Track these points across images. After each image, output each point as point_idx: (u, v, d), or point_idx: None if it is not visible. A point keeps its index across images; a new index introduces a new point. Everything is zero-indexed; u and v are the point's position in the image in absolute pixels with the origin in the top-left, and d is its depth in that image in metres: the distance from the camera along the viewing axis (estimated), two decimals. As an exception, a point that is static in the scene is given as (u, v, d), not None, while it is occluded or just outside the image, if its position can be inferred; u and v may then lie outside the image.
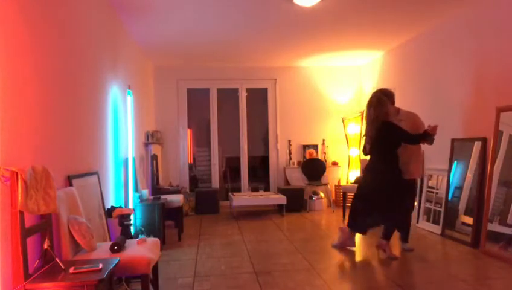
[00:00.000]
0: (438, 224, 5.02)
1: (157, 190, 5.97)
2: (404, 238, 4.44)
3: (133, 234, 3.66)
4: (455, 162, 4.94)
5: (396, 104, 4.57)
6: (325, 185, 7.24)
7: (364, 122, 4.82)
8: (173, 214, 5.11)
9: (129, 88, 4.92)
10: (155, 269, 3.01)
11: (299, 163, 7.68)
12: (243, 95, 7.89)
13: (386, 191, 4.10)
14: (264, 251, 4.53)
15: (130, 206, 4.55)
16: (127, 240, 2.90)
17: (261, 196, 7.05)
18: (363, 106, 5.64)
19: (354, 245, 4.47)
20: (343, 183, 7.56)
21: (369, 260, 4.20)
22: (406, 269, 3.90)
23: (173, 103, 7.63)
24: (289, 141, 7.85)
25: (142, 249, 2.76)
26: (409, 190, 4.31)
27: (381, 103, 4.18)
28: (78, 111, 3.34)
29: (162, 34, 5.64)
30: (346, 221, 4.78)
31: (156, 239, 3.13)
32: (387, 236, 4.17)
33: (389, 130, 4.11)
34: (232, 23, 5.30)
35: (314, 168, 7.46)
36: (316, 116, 7.89)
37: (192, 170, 8.36)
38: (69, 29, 3.19)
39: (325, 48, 6.57)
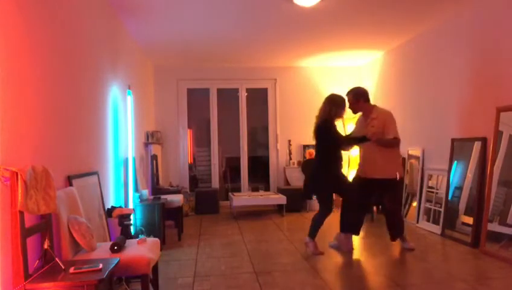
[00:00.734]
0: (438, 224, 5.02)
1: (157, 190, 5.96)
2: (393, 237, 4.42)
3: (133, 234, 3.66)
4: (455, 162, 4.93)
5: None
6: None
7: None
8: (173, 214, 5.11)
9: (129, 88, 4.93)
10: (155, 269, 3.01)
11: (299, 163, 7.68)
12: (243, 95, 7.89)
13: (325, 190, 4.33)
14: (264, 251, 4.53)
15: (130, 206, 4.55)
16: (127, 240, 2.90)
17: (261, 196, 7.06)
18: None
19: (351, 248, 4.41)
20: (343, 183, 7.54)
21: (369, 260, 4.20)
22: (406, 269, 3.90)
23: (173, 102, 7.63)
24: (289, 141, 7.85)
25: (142, 249, 2.76)
26: (387, 189, 4.34)
27: (335, 102, 4.36)
28: (78, 111, 3.34)
29: (162, 34, 5.64)
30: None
31: (156, 239, 3.13)
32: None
33: (324, 131, 4.31)
34: (232, 23, 5.30)
35: (314, 168, 7.46)
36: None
37: (192, 170, 8.36)
38: (69, 29, 3.19)
39: (325, 48, 6.57)
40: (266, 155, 8.07)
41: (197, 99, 7.98)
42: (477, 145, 4.60)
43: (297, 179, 7.53)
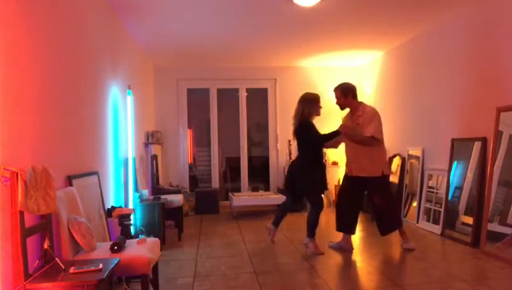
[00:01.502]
0: (438, 224, 5.02)
1: (157, 189, 5.96)
2: (383, 233, 4.39)
3: (133, 234, 3.66)
4: (455, 162, 4.93)
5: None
6: (325, 185, 7.23)
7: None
8: (173, 214, 5.11)
9: (129, 88, 4.92)
10: (155, 269, 3.00)
11: (299, 163, 7.67)
12: (243, 95, 7.89)
13: (313, 190, 4.39)
14: (264, 251, 4.53)
15: (130, 206, 4.55)
16: (127, 240, 2.90)
17: (261, 196, 7.06)
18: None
19: (350, 248, 4.42)
20: (343, 183, 7.54)
21: (368, 260, 4.20)
22: (405, 269, 3.90)
23: (173, 102, 7.63)
24: (289, 141, 7.84)
25: (142, 249, 2.76)
26: (374, 187, 4.33)
27: (306, 100, 4.42)
28: (78, 111, 3.34)
29: (162, 34, 5.64)
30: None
31: (156, 239, 3.13)
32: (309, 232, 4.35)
33: (302, 132, 4.37)
34: (232, 23, 5.30)
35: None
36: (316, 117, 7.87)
37: (192, 170, 8.36)
38: (68, 29, 3.19)
39: (325, 48, 6.56)
40: (266, 155, 8.07)
41: (197, 100, 7.98)
42: (477, 145, 4.60)
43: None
